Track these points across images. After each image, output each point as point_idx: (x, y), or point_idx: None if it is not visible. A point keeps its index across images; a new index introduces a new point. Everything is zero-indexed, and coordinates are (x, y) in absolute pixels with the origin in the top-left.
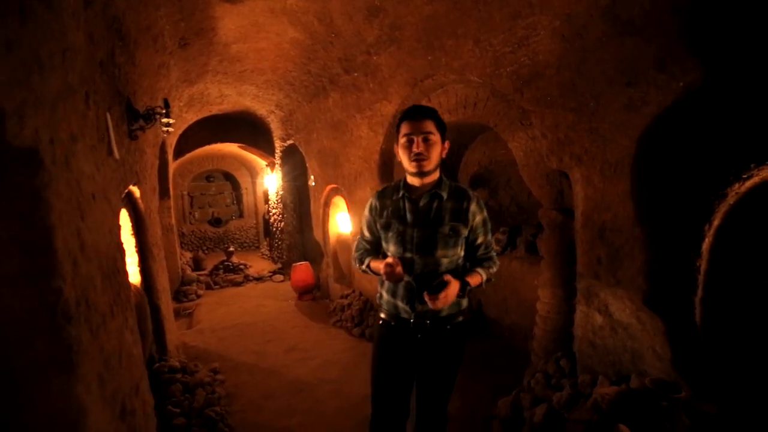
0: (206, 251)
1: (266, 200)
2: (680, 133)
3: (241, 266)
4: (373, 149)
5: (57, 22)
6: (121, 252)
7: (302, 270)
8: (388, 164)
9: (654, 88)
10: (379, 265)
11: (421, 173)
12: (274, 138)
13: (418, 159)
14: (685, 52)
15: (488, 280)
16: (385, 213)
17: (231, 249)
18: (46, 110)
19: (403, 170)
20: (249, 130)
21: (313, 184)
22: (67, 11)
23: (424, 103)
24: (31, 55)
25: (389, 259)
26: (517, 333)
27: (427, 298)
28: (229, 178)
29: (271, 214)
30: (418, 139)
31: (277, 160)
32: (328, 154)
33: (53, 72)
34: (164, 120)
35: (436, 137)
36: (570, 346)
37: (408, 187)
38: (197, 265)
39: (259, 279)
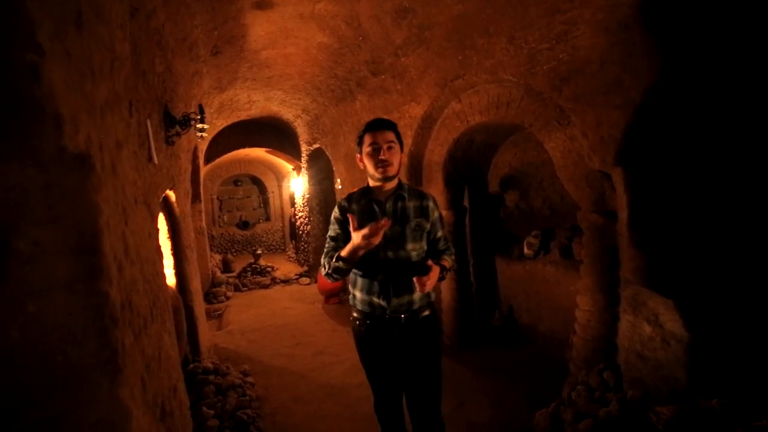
0: (234, 253)
1: (292, 204)
2: (748, 124)
3: (269, 269)
4: None
5: (107, 33)
6: (160, 255)
7: None
8: (416, 167)
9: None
10: (349, 247)
11: (386, 178)
12: (301, 142)
13: (384, 165)
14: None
15: (452, 267)
16: (355, 218)
17: (258, 252)
18: (97, 117)
19: (428, 177)
20: (276, 134)
21: (340, 187)
22: (116, 22)
23: (454, 104)
24: (85, 64)
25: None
26: (553, 340)
27: (416, 281)
28: (256, 182)
29: (297, 217)
30: (383, 147)
31: (303, 164)
32: (355, 158)
33: (103, 81)
34: (199, 125)
35: (397, 146)
36: (614, 357)
37: (373, 192)
38: (226, 267)
39: (286, 281)
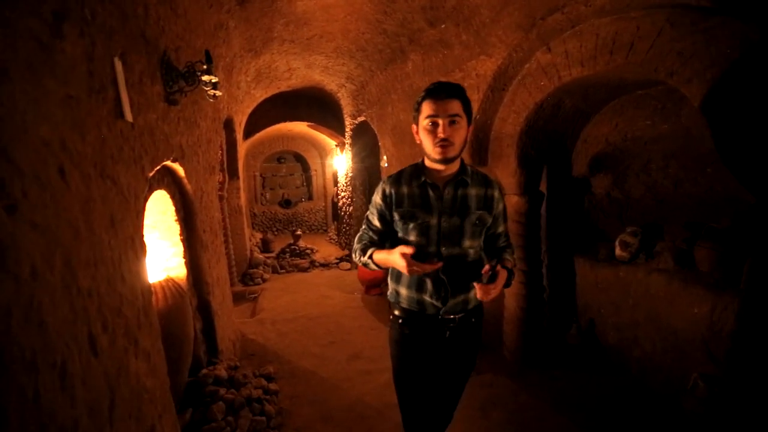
0: (275, 232)
1: (335, 182)
2: None
3: (308, 251)
4: None
5: None
6: (136, 248)
7: None
8: (482, 140)
9: None
10: (387, 258)
11: (445, 160)
12: (345, 115)
13: (444, 145)
14: None
15: (514, 270)
16: (404, 202)
17: (298, 232)
18: None
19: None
20: (318, 107)
21: (386, 165)
22: None
23: (539, 54)
24: None
25: (406, 251)
26: (654, 372)
27: (479, 289)
28: (299, 159)
29: (339, 197)
30: (443, 122)
31: (347, 140)
32: (405, 131)
33: None
34: (205, 77)
35: (462, 120)
36: None
37: (429, 172)
38: (265, 246)
39: (326, 265)
